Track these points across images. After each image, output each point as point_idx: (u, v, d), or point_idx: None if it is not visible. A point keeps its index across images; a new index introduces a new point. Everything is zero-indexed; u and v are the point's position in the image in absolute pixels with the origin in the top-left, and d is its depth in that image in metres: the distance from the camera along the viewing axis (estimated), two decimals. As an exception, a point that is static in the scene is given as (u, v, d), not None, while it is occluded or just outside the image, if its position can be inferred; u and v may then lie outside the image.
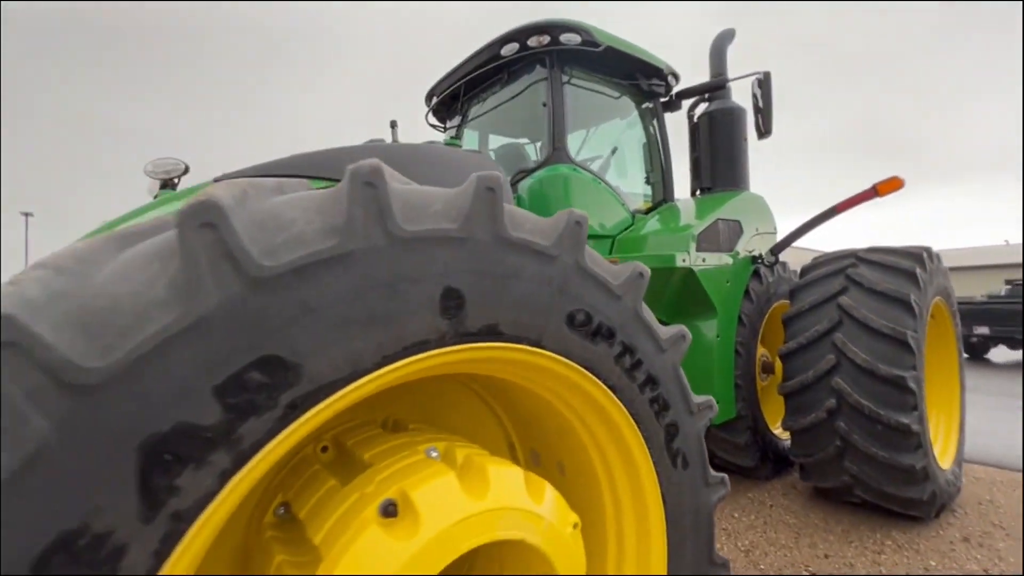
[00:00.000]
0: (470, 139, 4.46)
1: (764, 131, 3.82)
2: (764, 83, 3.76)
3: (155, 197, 2.08)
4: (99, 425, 0.62)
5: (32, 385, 0.59)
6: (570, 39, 3.38)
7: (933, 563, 2.78)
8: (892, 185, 3.15)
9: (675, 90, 4.28)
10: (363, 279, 0.83)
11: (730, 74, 4.17)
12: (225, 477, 0.71)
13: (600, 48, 3.43)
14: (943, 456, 3.41)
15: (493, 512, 0.97)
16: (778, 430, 4.19)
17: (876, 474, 3.02)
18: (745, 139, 4.22)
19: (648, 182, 4.26)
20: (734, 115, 4.20)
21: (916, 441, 2.91)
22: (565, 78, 3.54)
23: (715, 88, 4.14)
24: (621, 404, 1.23)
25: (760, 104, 3.81)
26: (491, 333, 1.00)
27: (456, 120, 4.44)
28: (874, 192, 3.23)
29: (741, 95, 4.21)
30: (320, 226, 0.81)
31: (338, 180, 1.99)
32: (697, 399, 1.41)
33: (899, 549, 2.93)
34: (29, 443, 0.58)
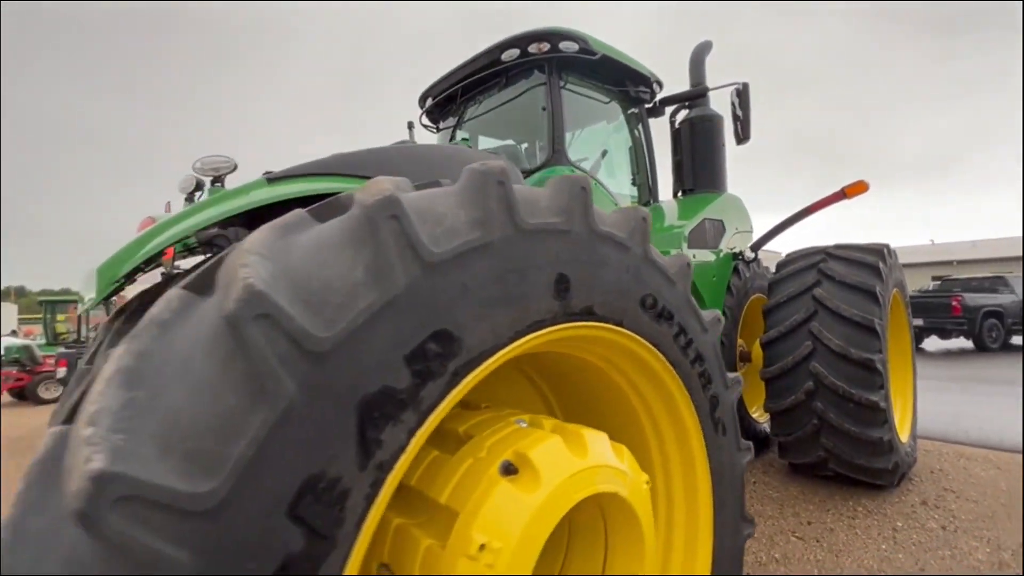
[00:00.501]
0: (460, 140, 4.57)
1: (743, 137, 4.12)
2: (743, 93, 4.06)
3: (188, 195, 2.10)
4: (329, 386, 0.72)
5: (282, 351, 0.69)
6: (568, 47, 3.56)
7: (900, 524, 3.12)
8: (858, 188, 3.50)
9: (659, 97, 4.53)
10: (501, 265, 0.96)
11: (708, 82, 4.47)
12: (410, 435, 0.82)
13: (596, 56, 3.63)
14: (902, 431, 3.80)
15: (593, 468, 1.11)
16: (756, 413, 4.52)
17: (848, 448, 3.36)
18: (723, 144, 4.53)
19: (634, 183, 4.49)
20: (713, 122, 4.49)
21: (883, 417, 3.25)
22: (561, 83, 3.71)
23: (697, 96, 4.42)
24: (679, 378, 1.40)
25: (739, 112, 4.11)
26: (588, 314, 1.14)
27: (449, 122, 4.54)
28: (842, 195, 3.57)
29: (720, 103, 4.51)
30: (465, 219, 0.94)
31: (368, 178, 2.09)
32: (728, 375, 1.60)
33: (869, 514, 3.27)
34: (282, 400, 0.68)
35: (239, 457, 0.64)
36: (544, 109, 3.67)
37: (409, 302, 0.82)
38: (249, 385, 0.67)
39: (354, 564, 0.76)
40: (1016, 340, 13.42)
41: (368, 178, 2.07)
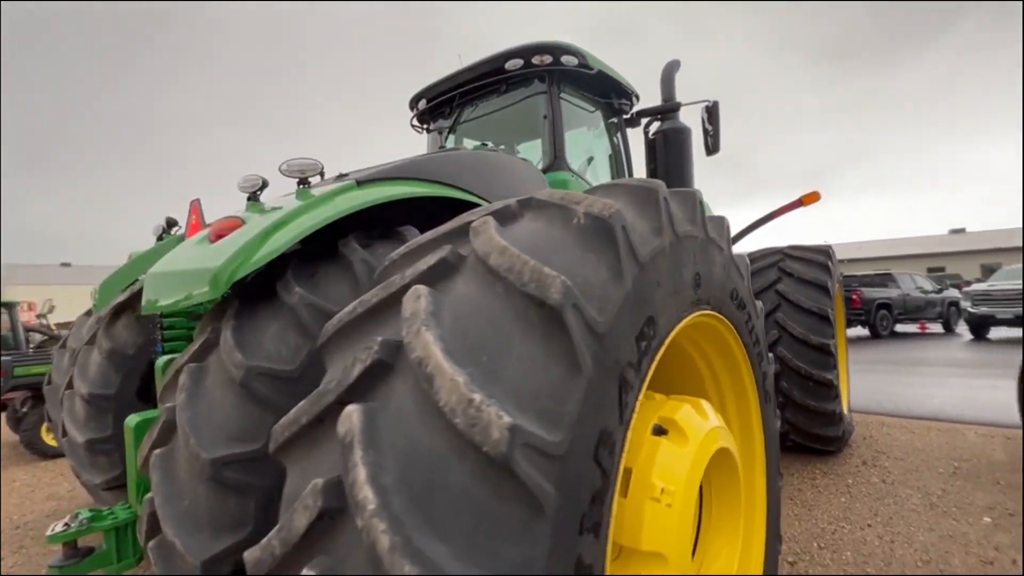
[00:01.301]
0: (448, 143, 4.69)
1: (712, 149, 4.61)
2: (712, 110, 4.54)
3: (251, 195, 2.11)
4: (605, 360, 0.92)
5: (584, 333, 0.88)
6: (569, 61, 3.82)
7: (850, 481, 3.72)
8: (813, 198, 4.08)
9: (636, 108, 4.93)
10: (671, 264, 1.19)
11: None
12: (635, 400, 1.04)
13: (593, 71, 3.92)
14: (844, 404, 4.48)
15: (716, 428, 1.38)
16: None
17: (807, 420, 3.92)
18: (692, 153, 5.02)
19: (615, 188, 4.86)
20: (684, 133, 4.95)
21: (835, 392, 3.85)
22: (559, 93, 3.97)
23: (670, 110, 4.84)
24: (747, 356, 1.71)
25: (708, 127, 4.59)
26: (707, 303, 1.41)
27: (440, 123, 4.65)
28: (799, 203, 4.14)
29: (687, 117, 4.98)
30: (649, 229, 1.16)
31: (445, 183, 2.24)
32: (768, 355, 1.94)
33: (825, 475, 3.85)
34: (587, 370, 0.87)
35: (571, 415, 0.83)
36: (545, 117, 3.91)
37: (634, 294, 1.03)
38: (568, 359, 0.85)
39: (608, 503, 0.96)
40: (900, 328, 15.65)
41: (444, 184, 2.21)
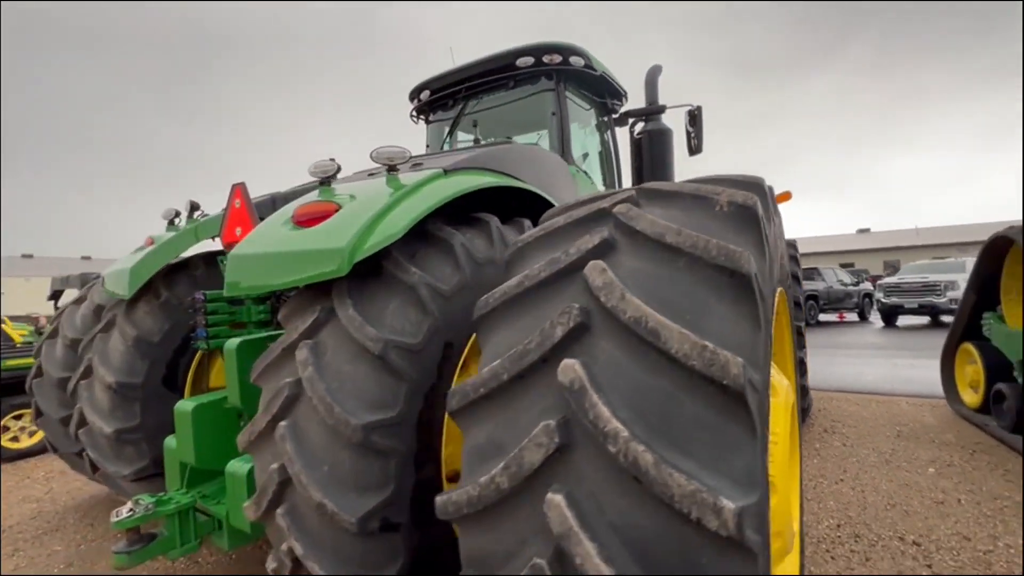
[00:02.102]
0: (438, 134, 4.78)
1: (695, 150, 5.00)
2: (696, 114, 4.92)
3: (323, 179, 2.15)
4: (769, 319, 1.15)
5: (761, 297, 1.10)
6: (576, 61, 4.05)
7: (817, 445, 4.25)
8: (784, 197, 4.56)
9: (623, 109, 5.24)
10: (775, 245, 1.44)
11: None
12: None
13: (597, 73, 4.17)
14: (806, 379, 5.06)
15: (790, 385, 1.66)
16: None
17: (780, 394, 4.43)
18: (673, 153, 5.41)
19: (605, 183, 5.15)
20: (666, 134, 5.31)
21: (805, 368, 4.36)
22: (564, 91, 4.19)
23: (656, 112, 5.19)
24: (791, 326, 2.02)
25: (690, 129, 4.98)
26: (781, 282, 1.68)
27: (440, 115, 4.73)
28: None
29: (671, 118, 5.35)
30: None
31: (508, 174, 2.41)
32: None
33: (795, 442, 4.37)
34: (764, 327, 1.09)
35: (764, 361, 1.05)
36: (554, 114, 4.11)
37: (768, 269, 1.26)
38: (753, 317, 1.06)
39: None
40: (822, 317, 17.37)
41: (508, 174, 2.35)
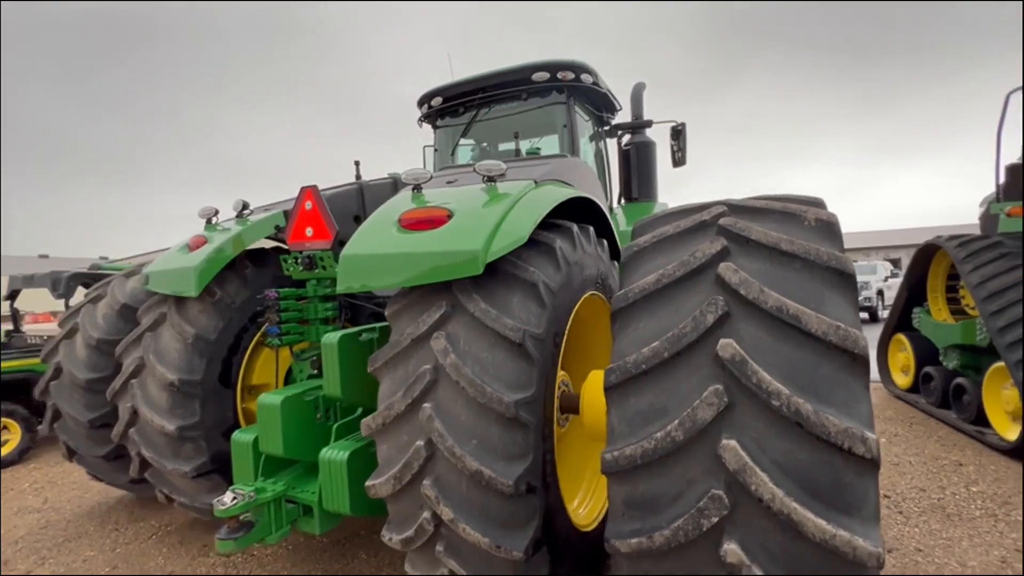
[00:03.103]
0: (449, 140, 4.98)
1: (679, 163, 5.52)
2: (680, 130, 5.43)
3: (415, 187, 2.34)
4: (856, 304, 1.53)
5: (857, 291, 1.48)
6: (586, 79, 4.40)
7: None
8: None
9: (614, 122, 5.67)
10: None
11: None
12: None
13: (602, 90, 4.55)
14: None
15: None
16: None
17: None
18: (656, 164, 5.91)
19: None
20: (651, 147, 5.82)
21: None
22: (573, 105, 4.53)
23: (643, 126, 5.66)
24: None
25: (673, 144, 5.49)
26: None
27: (448, 121, 4.94)
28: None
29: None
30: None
31: (569, 184, 2.74)
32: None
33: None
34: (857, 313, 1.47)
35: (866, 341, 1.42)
36: (565, 126, 4.44)
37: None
38: (855, 306, 1.43)
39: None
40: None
41: (570, 184, 2.65)
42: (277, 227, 2.97)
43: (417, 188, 2.35)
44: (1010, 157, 4.50)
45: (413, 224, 2.10)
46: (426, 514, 1.80)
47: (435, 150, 5.06)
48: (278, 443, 2.36)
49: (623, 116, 5.77)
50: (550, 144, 5.17)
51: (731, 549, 1.29)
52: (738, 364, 1.35)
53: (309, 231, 2.67)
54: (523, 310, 1.89)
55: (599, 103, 5.01)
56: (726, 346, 1.39)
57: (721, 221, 1.70)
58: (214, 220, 3.21)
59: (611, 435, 1.59)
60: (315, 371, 2.71)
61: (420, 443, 1.78)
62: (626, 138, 5.92)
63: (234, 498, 2.15)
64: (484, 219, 1.98)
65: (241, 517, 2.20)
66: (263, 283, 3.06)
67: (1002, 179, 4.54)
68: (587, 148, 5.39)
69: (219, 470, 2.78)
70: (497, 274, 1.98)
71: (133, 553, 2.98)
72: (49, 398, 3.29)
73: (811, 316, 1.36)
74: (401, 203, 2.31)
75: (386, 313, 2.10)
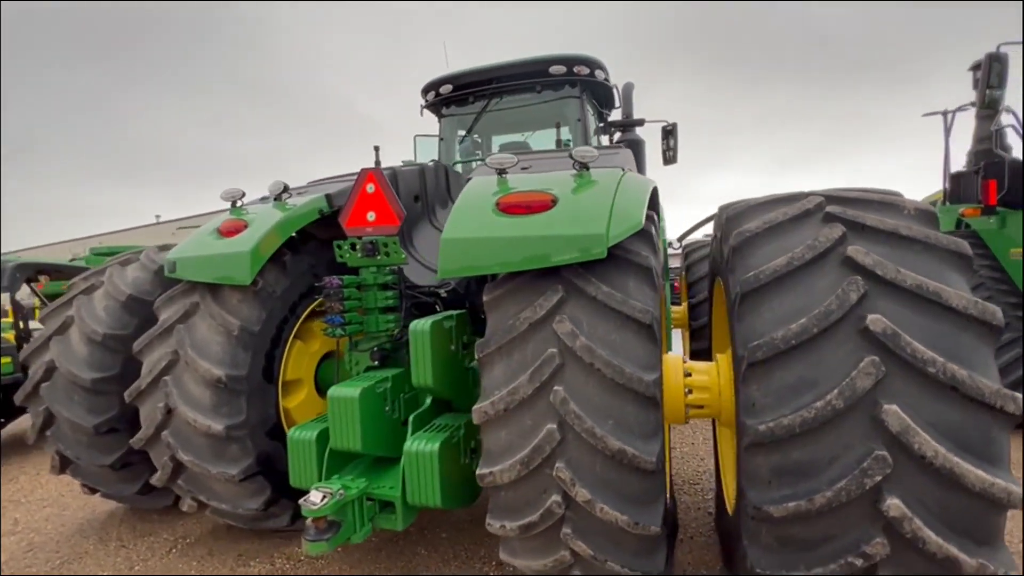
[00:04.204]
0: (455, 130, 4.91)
1: (670, 161, 5.78)
2: (672, 130, 5.68)
3: (500, 171, 2.30)
4: (957, 287, 1.72)
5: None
6: (599, 75, 4.51)
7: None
8: (743, 204, 5.53)
9: (610, 119, 5.82)
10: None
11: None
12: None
13: (610, 86, 4.68)
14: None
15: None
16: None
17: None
18: (645, 161, 6.15)
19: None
20: (641, 145, 6.02)
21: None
22: (585, 99, 4.62)
23: (635, 124, 5.85)
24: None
25: (665, 143, 5.74)
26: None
27: (454, 110, 4.86)
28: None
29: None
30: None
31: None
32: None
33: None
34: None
35: (977, 311, 1.60)
36: (579, 120, 4.52)
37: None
38: (970, 284, 1.61)
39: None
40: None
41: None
42: (320, 211, 2.79)
43: (503, 173, 2.31)
44: (955, 167, 5.15)
45: (513, 208, 2.07)
46: (556, 497, 1.79)
47: (440, 139, 4.95)
48: (355, 438, 2.24)
49: (613, 114, 5.96)
50: (548, 138, 5.24)
51: (894, 504, 1.42)
52: (891, 337, 1.48)
53: (371, 215, 2.54)
54: (640, 294, 1.93)
55: (603, 99, 5.14)
56: (876, 321, 1.51)
57: (829, 209, 1.84)
58: (239, 203, 2.96)
59: (750, 409, 1.68)
60: (375, 362, 2.58)
61: (552, 426, 1.77)
62: (617, 135, 6.11)
63: (323, 497, 2.02)
64: (596, 205, 2.00)
65: (328, 517, 2.07)
66: (300, 271, 2.87)
67: (948, 185, 5.20)
68: (594, 143, 5.51)
69: (263, 472, 2.58)
70: (609, 259, 2.00)
71: (156, 569, 2.68)
72: (36, 403, 2.87)
73: (950, 292, 1.52)
74: (487, 187, 2.27)
75: (485, 299, 2.06)
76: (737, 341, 1.80)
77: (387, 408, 2.43)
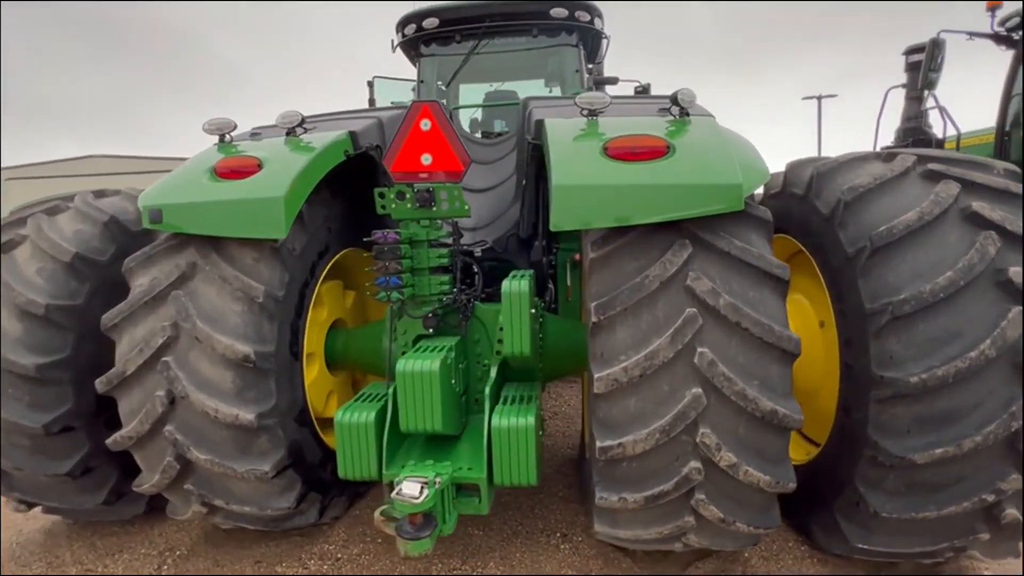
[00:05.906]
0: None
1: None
2: (646, 89, 5.63)
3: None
4: None
5: None
6: (598, 23, 4.27)
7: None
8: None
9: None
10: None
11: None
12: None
13: (606, 38, 4.48)
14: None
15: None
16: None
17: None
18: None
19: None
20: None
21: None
22: (582, 48, 4.36)
23: (608, 82, 5.69)
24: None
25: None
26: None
27: (434, 48, 4.35)
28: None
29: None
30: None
31: None
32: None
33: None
34: None
35: None
36: (577, 71, 4.26)
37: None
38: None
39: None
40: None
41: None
42: (346, 152, 2.31)
43: (595, 114, 2.06)
44: (884, 142, 5.77)
45: (626, 155, 1.85)
46: (694, 464, 1.70)
47: (419, 82, 4.38)
48: (435, 417, 1.94)
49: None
50: (534, 88, 4.92)
51: (1034, 442, 1.53)
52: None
53: (426, 158, 2.14)
54: (762, 247, 1.84)
55: (592, 51, 4.90)
56: (1018, 273, 1.58)
57: (931, 167, 1.89)
58: (228, 137, 2.36)
59: (887, 362, 1.71)
60: (429, 330, 2.24)
61: (697, 390, 1.66)
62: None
63: (422, 488, 1.72)
64: (718, 152, 1.85)
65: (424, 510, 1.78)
66: (317, 224, 2.39)
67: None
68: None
69: (294, 465, 2.17)
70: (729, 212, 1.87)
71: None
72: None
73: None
74: (577, 129, 2.02)
75: (592, 256, 1.85)
76: (863, 295, 1.80)
77: (452, 381, 2.14)
